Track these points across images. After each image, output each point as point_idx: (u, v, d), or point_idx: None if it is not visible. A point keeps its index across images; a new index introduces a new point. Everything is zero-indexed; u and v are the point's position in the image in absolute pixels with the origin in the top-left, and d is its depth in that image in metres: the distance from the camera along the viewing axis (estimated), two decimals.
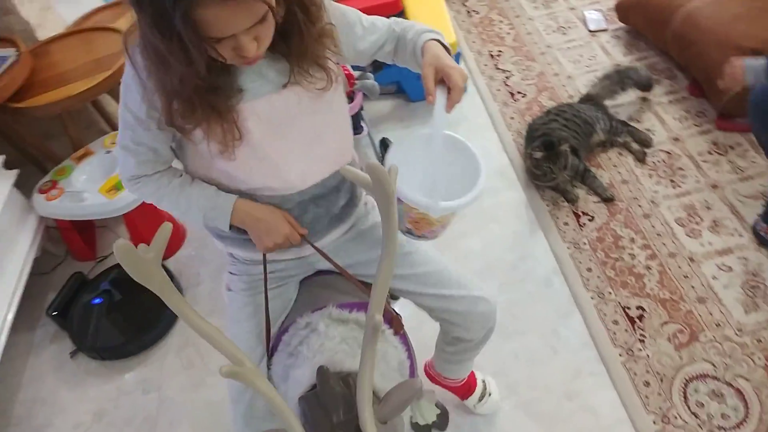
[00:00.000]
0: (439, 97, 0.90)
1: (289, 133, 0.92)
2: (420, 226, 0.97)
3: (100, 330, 1.82)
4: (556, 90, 2.43)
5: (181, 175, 0.99)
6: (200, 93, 0.79)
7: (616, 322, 1.62)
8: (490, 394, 1.47)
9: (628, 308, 1.65)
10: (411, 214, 0.94)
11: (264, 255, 1.02)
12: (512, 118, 2.33)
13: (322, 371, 0.79)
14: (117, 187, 1.89)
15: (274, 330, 1.05)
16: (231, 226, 0.97)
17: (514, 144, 2.22)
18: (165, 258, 2.09)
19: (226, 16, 0.70)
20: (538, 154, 1.86)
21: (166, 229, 0.69)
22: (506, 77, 2.54)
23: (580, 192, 1.99)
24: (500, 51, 2.70)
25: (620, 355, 1.55)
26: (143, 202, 1.87)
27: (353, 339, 0.93)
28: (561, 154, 1.86)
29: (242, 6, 0.70)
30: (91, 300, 1.88)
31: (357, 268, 1.09)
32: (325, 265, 1.09)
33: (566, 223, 1.91)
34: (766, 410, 1.41)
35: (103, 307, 1.85)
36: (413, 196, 0.89)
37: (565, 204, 1.97)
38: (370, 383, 0.73)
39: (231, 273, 1.11)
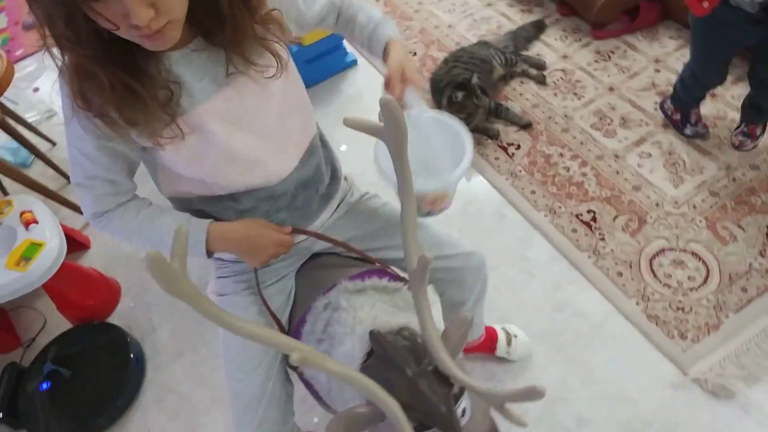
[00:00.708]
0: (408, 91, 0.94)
1: (253, 125, 0.86)
2: (437, 204, 1.01)
3: (56, 418, 1.62)
4: (442, 41, 2.49)
5: (150, 205, 0.90)
6: (118, 75, 0.69)
7: (574, 230, 1.72)
8: (516, 336, 1.49)
9: (580, 215, 1.75)
10: (427, 198, 0.97)
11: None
12: None
13: (376, 334, 0.75)
14: (26, 256, 1.68)
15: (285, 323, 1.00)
16: (210, 254, 0.90)
17: (426, 102, 2.26)
18: (105, 317, 1.90)
19: None
20: (460, 95, 1.91)
21: (182, 232, 0.61)
22: None
23: (499, 126, 2.07)
24: None
25: (588, 257, 1.65)
26: (63, 263, 1.68)
27: (380, 301, 0.90)
28: (475, 89, 1.92)
29: None
30: (38, 387, 1.67)
31: (353, 243, 1.05)
32: (321, 246, 1.04)
33: (497, 158, 1.98)
34: (721, 261, 1.57)
35: (54, 390, 1.65)
36: (427, 184, 0.90)
37: (490, 141, 2.04)
38: (433, 324, 0.71)
39: (221, 277, 1.02)
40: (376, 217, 1.07)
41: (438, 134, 0.96)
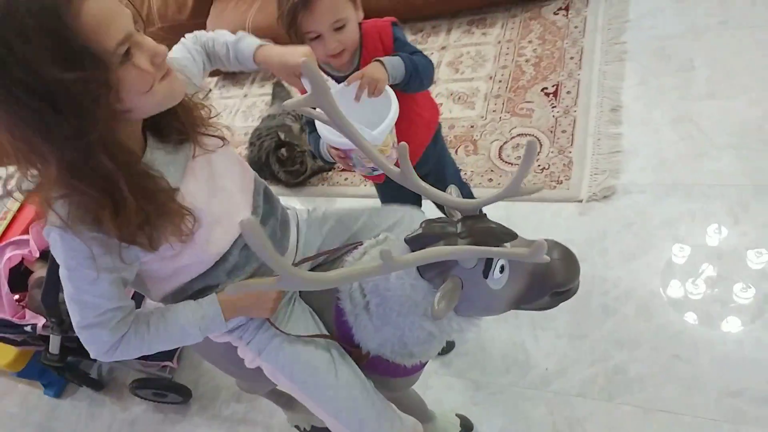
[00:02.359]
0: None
1: (223, 184, 0.96)
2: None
3: None
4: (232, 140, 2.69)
5: (150, 311, 0.92)
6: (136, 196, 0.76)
7: None
8: None
9: None
10: (363, 157, 1.07)
11: None
12: None
13: (410, 237, 0.88)
14: None
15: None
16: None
17: None
18: None
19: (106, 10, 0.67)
20: (284, 151, 2.12)
21: (254, 222, 0.68)
22: None
23: None
24: None
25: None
26: None
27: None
28: (290, 141, 2.16)
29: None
30: None
31: (323, 247, 1.16)
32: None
33: (346, 178, 2.22)
34: (537, 128, 2.01)
35: None
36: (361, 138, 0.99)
37: (332, 172, 2.27)
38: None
39: (250, 341, 1.05)
40: (328, 220, 1.20)
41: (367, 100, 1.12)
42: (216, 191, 0.94)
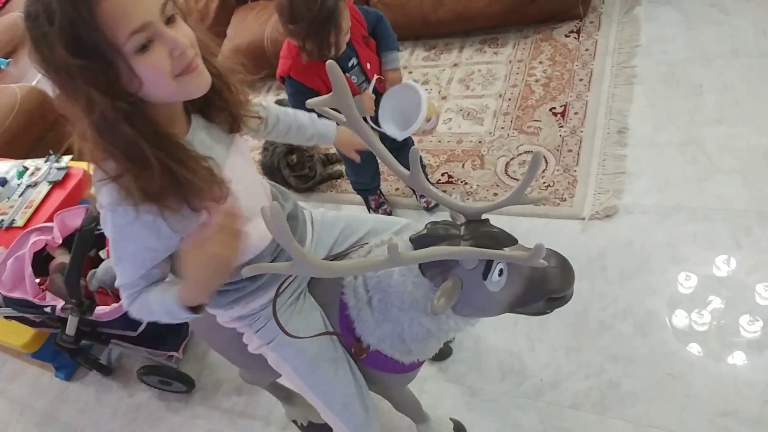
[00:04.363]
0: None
1: (251, 181, 1.01)
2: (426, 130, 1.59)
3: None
4: None
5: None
6: (168, 164, 0.79)
7: (444, 191, 2.07)
8: None
9: (439, 181, 2.11)
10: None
11: (275, 295, 1.06)
12: None
13: (416, 236, 0.92)
14: None
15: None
16: (196, 309, 0.88)
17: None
18: None
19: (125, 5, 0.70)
20: (294, 157, 2.18)
21: (276, 208, 0.72)
22: None
23: (339, 168, 2.37)
24: None
25: (464, 201, 2.01)
26: None
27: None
28: (301, 147, 2.22)
29: None
30: None
31: (335, 248, 1.21)
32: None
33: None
34: (544, 146, 2.05)
35: None
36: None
37: (340, 180, 2.33)
38: (440, 193, 0.93)
39: (259, 330, 1.09)
40: (339, 222, 1.24)
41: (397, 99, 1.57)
42: (248, 185, 0.99)
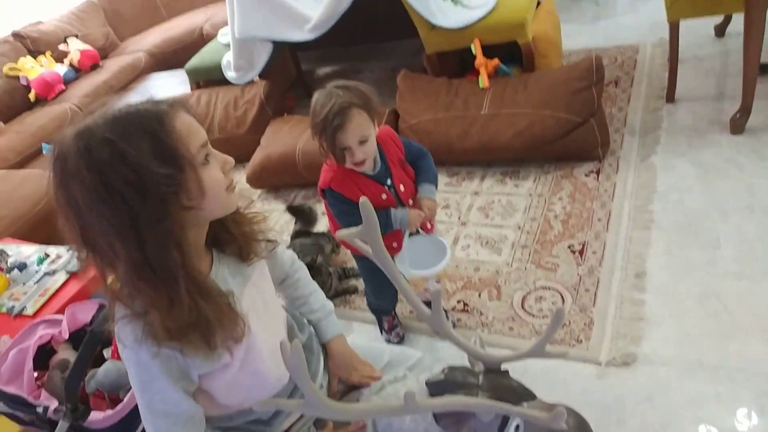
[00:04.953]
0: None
1: (268, 312, 1.03)
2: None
3: None
4: None
5: None
6: (196, 300, 0.82)
7: (459, 319, 2.04)
8: None
9: (454, 307, 2.09)
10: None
11: None
12: None
13: (431, 382, 0.90)
14: None
15: None
16: None
17: None
18: None
19: (192, 123, 0.83)
20: (314, 260, 2.19)
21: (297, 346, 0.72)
22: None
23: (354, 283, 2.37)
24: None
25: (480, 332, 1.97)
26: None
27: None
28: (321, 264, 2.24)
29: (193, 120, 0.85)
30: None
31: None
32: None
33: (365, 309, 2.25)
34: (561, 282, 2.05)
35: None
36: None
37: (355, 296, 2.31)
38: (462, 339, 0.92)
39: None
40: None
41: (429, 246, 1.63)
42: (263, 317, 0.99)
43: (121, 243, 0.75)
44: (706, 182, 2.29)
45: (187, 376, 0.87)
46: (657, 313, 1.85)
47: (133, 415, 1.44)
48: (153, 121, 0.77)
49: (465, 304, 2.09)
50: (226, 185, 0.86)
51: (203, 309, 0.81)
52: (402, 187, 1.63)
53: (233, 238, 0.96)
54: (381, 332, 2.07)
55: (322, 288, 2.20)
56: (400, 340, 2.03)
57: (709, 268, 1.94)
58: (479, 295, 2.11)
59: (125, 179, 0.74)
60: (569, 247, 2.19)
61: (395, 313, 2.05)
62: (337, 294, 2.32)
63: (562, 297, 1.99)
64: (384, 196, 1.59)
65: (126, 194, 0.74)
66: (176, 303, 0.78)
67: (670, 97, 2.78)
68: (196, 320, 0.80)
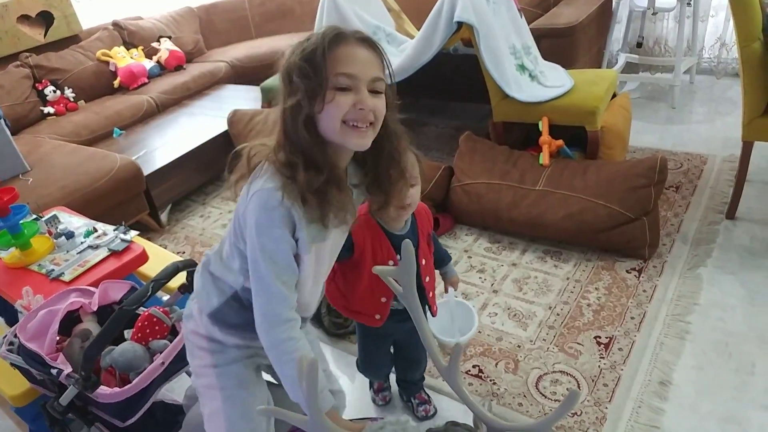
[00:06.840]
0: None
1: (330, 259, 1.24)
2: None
3: None
4: None
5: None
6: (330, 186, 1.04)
7: (470, 384, 2.01)
8: None
9: (468, 370, 2.06)
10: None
11: None
12: None
13: None
14: None
15: None
16: None
17: None
18: None
19: (357, 54, 1.00)
20: None
21: (307, 360, 0.76)
22: None
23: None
24: None
25: (491, 400, 1.93)
26: None
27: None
28: None
29: (372, 55, 1.03)
30: None
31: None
32: None
33: None
34: (581, 371, 1.99)
35: None
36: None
37: None
38: (473, 401, 0.92)
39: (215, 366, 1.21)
40: None
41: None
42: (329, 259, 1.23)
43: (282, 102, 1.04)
44: (751, 305, 2.22)
45: (293, 248, 1.04)
46: (674, 426, 1.77)
47: (136, 400, 1.47)
48: (326, 39, 0.99)
49: (480, 371, 2.06)
50: (343, 116, 0.99)
51: (330, 192, 1.01)
52: (424, 261, 1.54)
53: (382, 191, 1.17)
54: (370, 388, 2.04)
55: (342, 325, 2.26)
56: (386, 404, 2.00)
57: (737, 393, 1.86)
58: (496, 364, 2.08)
59: (301, 73, 1.01)
60: (596, 337, 2.14)
61: (388, 378, 2.01)
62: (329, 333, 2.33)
63: (578, 385, 1.94)
64: (391, 263, 1.47)
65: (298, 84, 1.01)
66: (314, 166, 1.01)
67: (731, 214, 2.73)
68: (323, 194, 1.01)
